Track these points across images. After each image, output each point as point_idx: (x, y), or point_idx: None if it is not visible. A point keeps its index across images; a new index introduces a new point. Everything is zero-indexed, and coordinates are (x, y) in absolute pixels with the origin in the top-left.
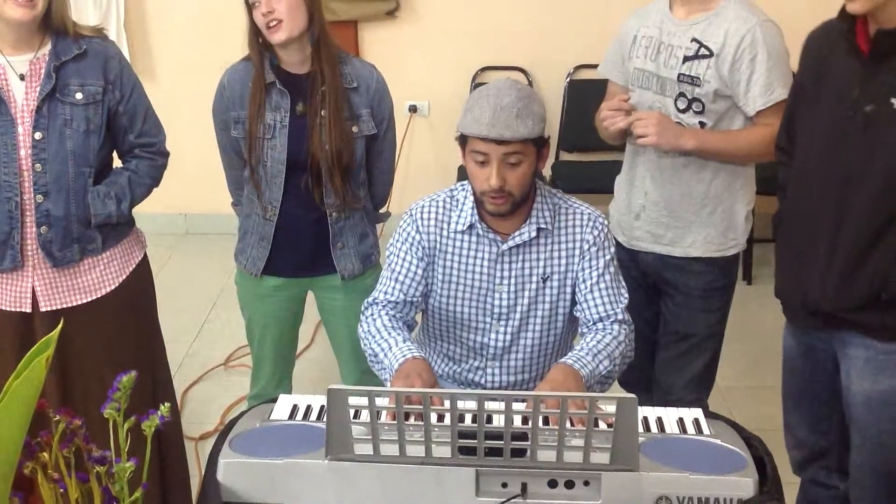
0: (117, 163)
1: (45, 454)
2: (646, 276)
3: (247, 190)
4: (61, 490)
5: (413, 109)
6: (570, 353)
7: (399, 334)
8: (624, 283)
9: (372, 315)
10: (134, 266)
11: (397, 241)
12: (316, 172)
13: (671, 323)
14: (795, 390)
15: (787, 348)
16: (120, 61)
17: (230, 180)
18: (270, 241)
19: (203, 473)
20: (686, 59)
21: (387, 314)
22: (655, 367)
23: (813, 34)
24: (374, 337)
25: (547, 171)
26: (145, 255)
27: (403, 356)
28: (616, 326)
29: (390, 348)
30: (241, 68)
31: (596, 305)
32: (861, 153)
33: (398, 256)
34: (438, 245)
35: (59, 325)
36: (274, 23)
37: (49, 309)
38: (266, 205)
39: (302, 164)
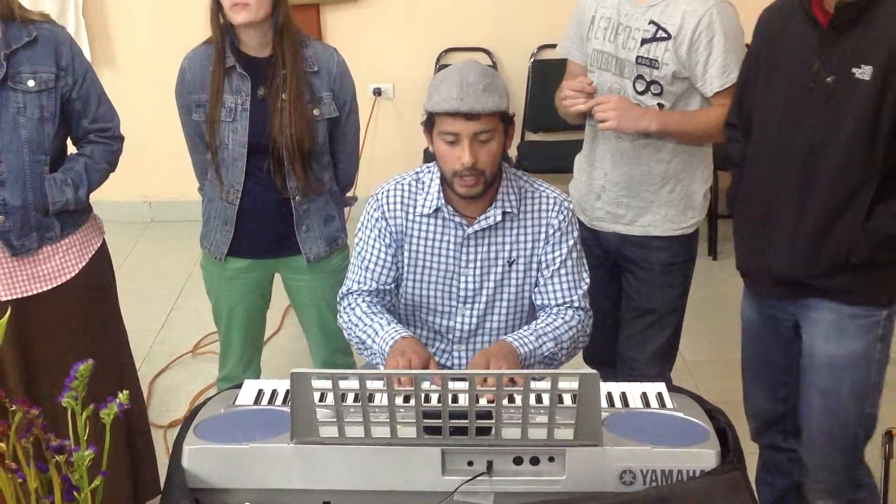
0: (71, 149)
1: (2, 444)
2: (608, 254)
3: (210, 174)
4: (20, 480)
5: (378, 92)
6: (514, 332)
7: (382, 318)
8: (586, 267)
9: (350, 305)
10: (93, 253)
11: (365, 227)
12: (277, 157)
13: (633, 299)
14: (755, 359)
15: (747, 319)
16: (71, 47)
17: (195, 164)
18: (234, 224)
19: (169, 461)
20: (644, 41)
21: (364, 302)
22: (619, 342)
23: (767, 10)
24: (356, 326)
25: (512, 152)
26: (104, 242)
27: (393, 338)
28: (571, 312)
29: (377, 333)
30: (202, 52)
31: (555, 291)
32: (823, 124)
33: (367, 244)
34: (405, 229)
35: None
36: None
37: (8, 298)
38: (228, 188)
39: (263, 147)
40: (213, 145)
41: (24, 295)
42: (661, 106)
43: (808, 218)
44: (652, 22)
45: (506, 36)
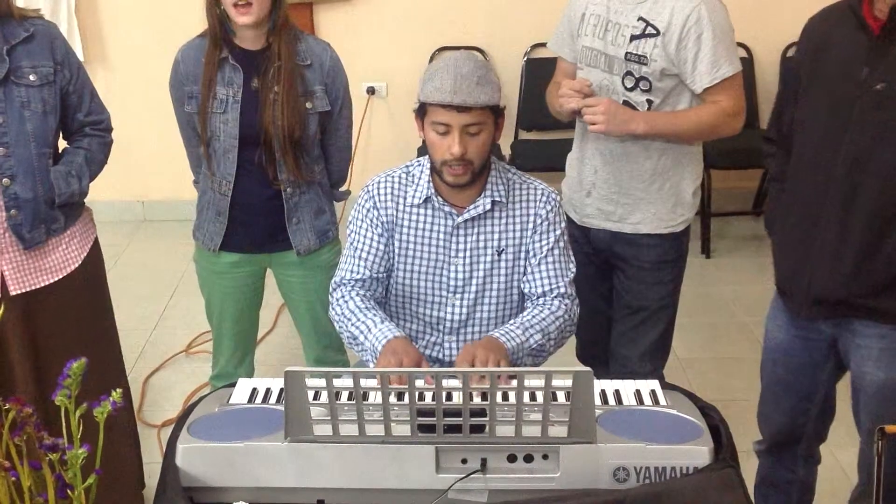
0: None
1: None
2: (598, 252)
3: (203, 166)
4: (13, 478)
5: (371, 91)
6: (501, 326)
7: (375, 314)
8: (572, 258)
9: (343, 297)
10: (91, 243)
11: (357, 217)
12: (269, 148)
13: (624, 296)
14: (778, 382)
15: (775, 339)
16: (64, 41)
17: (190, 157)
18: (227, 215)
19: (163, 459)
20: (633, 37)
21: (357, 294)
22: (611, 340)
23: (812, 18)
24: (349, 319)
25: (506, 150)
26: (96, 233)
27: (385, 337)
28: (557, 301)
29: (369, 330)
30: (196, 44)
31: (542, 279)
32: (870, 134)
33: (359, 234)
34: (396, 219)
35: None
36: (243, 2)
37: (18, 292)
38: (220, 179)
39: (255, 139)
40: (204, 136)
41: (33, 288)
42: (650, 102)
43: (852, 233)
44: (641, 18)
45: (499, 35)
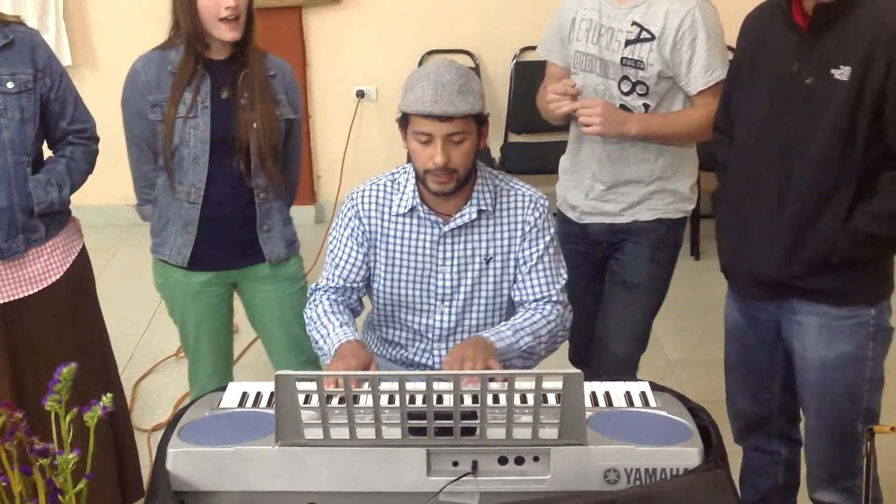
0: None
1: None
2: (596, 247)
3: (161, 180)
4: (4, 483)
5: (361, 94)
6: (491, 328)
7: (337, 318)
8: (564, 264)
9: (315, 301)
10: (76, 255)
11: (339, 226)
12: (244, 153)
13: (618, 273)
14: (739, 362)
15: (731, 321)
16: (46, 49)
17: (138, 177)
18: (196, 225)
19: (153, 464)
20: (628, 42)
21: (328, 299)
22: (597, 320)
23: (749, 16)
24: (315, 323)
25: (496, 153)
26: (84, 244)
27: (339, 340)
28: (549, 307)
29: (328, 334)
30: (155, 55)
31: (532, 286)
32: (802, 124)
33: (339, 242)
34: (380, 229)
35: None
36: (233, 16)
37: None
38: (189, 188)
39: (226, 145)
40: (168, 145)
41: (11, 299)
42: (646, 106)
43: (785, 218)
44: (635, 23)
45: (488, 38)
